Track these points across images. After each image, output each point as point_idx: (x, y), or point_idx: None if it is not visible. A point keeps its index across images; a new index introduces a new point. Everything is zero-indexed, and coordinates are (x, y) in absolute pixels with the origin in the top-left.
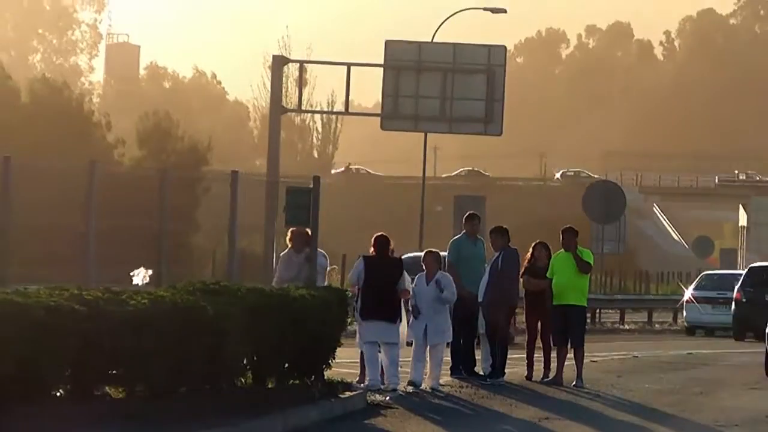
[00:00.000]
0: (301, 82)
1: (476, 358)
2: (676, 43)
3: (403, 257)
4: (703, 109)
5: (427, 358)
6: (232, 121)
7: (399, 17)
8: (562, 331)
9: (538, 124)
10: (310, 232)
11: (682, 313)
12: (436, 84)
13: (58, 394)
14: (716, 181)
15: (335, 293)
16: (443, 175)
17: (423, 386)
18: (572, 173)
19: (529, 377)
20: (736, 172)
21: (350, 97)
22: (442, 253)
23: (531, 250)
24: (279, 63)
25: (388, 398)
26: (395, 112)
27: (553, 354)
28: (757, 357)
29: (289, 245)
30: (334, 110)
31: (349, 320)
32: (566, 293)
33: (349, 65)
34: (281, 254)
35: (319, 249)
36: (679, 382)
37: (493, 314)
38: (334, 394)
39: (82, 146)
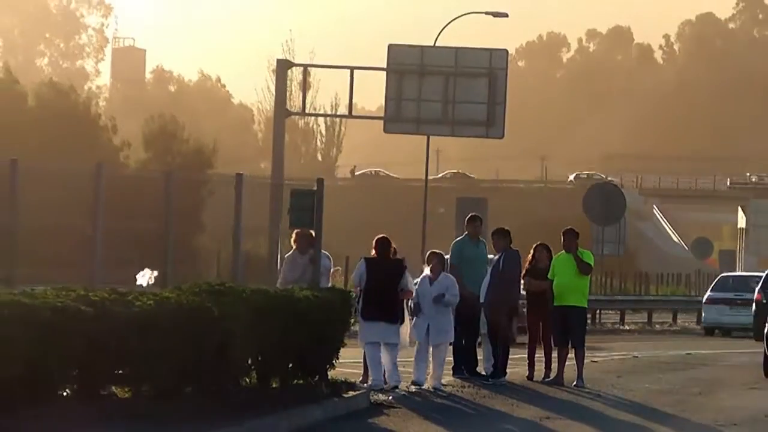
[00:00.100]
0: (305, 86)
1: (478, 358)
2: (676, 47)
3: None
4: (703, 112)
5: (430, 358)
6: (237, 124)
7: (402, 21)
8: (562, 331)
9: (539, 127)
10: (314, 234)
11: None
12: (439, 87)
13: (64, 393)
14: (728, 183)
15: (339, 294)
16: (429, 177)
17: (425, 386)
18: (585, 175)
19: (530, 377)
20: (748, 174)
21: (353, 101)
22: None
23: (532, 251)
24: (283, 67)
25: (390, 398)
26: (398, 116)
27: (554, 354)
28: (756, 357)
29: (294, 247)
30: (338, 113)
31: (352, 321)
32: (567, 294)
33: (352, 69)
34: (285, 256)
35: (322, 250)
36: (678, 382)
37: (494, 315)
38: (337, 394)
39: (88, 149)
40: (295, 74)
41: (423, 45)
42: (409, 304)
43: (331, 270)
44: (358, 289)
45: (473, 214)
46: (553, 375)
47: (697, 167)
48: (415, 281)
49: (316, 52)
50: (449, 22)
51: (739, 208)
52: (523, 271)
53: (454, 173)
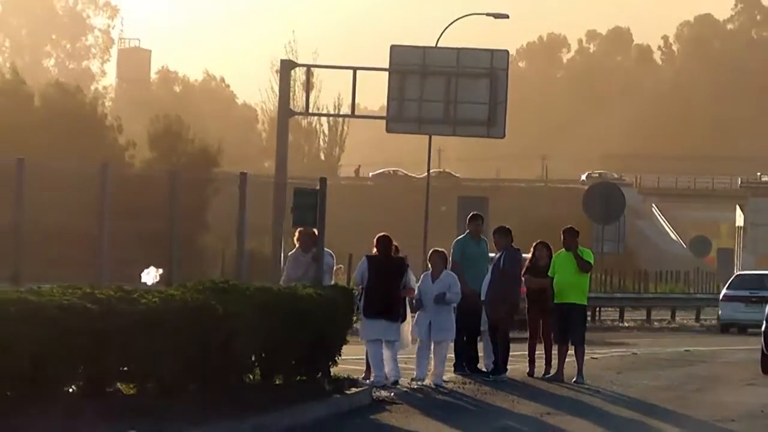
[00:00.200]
0: (308, 86)
1: (479, 355)
2: (674, 48)
3: None
4: (701, 112)
5: (431, 355)
6: (241, 124)
7: (404, 23)
8: (562, 328)
9: (539, 126)
10: (316, 232)
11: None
12: (440, 88)
13: (70, 390)
14: (739, 183)
15: (341, 292)
16: (414, 176)
17: (427, 382)
18: (597, 174)
19: (530, 374)
20: (759, 174)
21: (356, 101)
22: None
23: (532, 249)
24: (287, 67)
25: (392, 394)
26: (400, 115)
27: (554, 351)
28: (753, 354)
29: (297, 245)
30: (341, 113)
31: (354, 318)
32: (567, 292)
33: (355, 69)
34: (289, 254)
35: (325, 248)
36: (677, 378)
37: (495, 312)
38: (340, 390)
39: (94, 149)
40: (299, 74)
41: (425, 46)
42: (413, 300)
43: (334, 268)
44: (360, 287)
45: (474, 212)
46: (553, 371)
47: (695, 167)
48: (419, 281)
49: (319, 53)
50: (451, 23)
51: (737, 207)
52: (524, 269)
53: (439, 172)
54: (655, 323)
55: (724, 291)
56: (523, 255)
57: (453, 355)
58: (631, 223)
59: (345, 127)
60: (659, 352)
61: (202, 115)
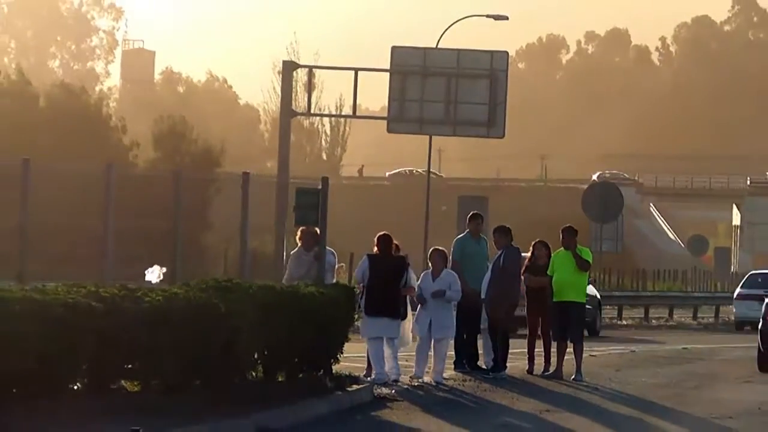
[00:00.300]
0: (310, 87)
1: (479, 352)
2: (672, 49)
3: None
4: (698, 113)
5: (431, 353)
6: (244, 125)
7: (404, 24)
8: (561, 326)
9: (539, 127)
10: (318, 232)
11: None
12: (441, 88)
13: (75, 387)
14: (748, 182)
15: (343, 290)
16: (376, 175)
17: (426, 380)
18: (608, 174)
19: (530, 371)
20: (767, 173)
21: (357, 101)
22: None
23: (531, 248)
24: (289, 68)
25: (393, 391)
26: (401, 116)
27: (553, 349)
28: (750, 351)
29: (299, 244)
30: (342, 114)
31: (356, 316)
32: (566, 290)
33: (356, 70)
34: (291, 252)
35: (327, 247)
36: (675, 376)
37: (495, 310)
38: (342, 388)
39: (98, 149)
40: (300, 75)
41: (425, 47)
42: (415, 297)
43: (336, 266)
44: (362, 285)
45: (475, 212)
46: (552, 369)
47: (693, 166)
48: (419, 279)
49: (321, 54)
50: (451, 25)
51: (734, 206)
52: (523, 268)
53: (424, 171)
54: (653, 321)
55: (738, 290)
56: (523, 254)
57: (453, 353)
58: (629, 223)
59: (347, 128)
60: (657, 349)
61: (205, 116)
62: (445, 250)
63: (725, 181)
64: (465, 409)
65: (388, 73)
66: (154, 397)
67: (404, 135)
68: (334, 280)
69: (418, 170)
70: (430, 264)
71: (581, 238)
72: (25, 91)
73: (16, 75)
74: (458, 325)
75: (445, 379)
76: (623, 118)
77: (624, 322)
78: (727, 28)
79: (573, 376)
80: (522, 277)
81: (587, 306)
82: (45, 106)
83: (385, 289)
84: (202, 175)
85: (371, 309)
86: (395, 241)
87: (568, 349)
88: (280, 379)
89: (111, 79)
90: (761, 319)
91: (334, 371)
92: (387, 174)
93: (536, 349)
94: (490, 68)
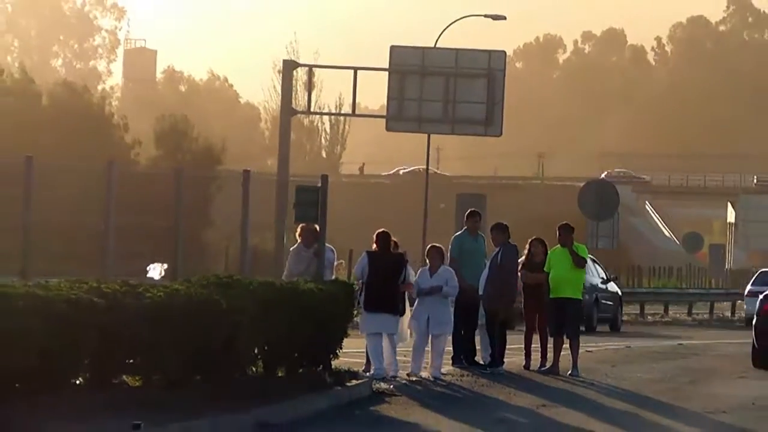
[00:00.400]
0: (310, 86)
1: (476, 348)
2: (668, 49)
3: None
4: (694, 112)
5: (428, 349)
6: (245, 123)
7: (403, 24)
8: (558, 322)
9: (536, 125)
10: (318, 229)
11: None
12: (439, 87)
13: (77, 382)
14: (755, 181)
15: (342, 286)
16: (383, 173)
17: (424, 375)
18: (617, 172)
19: (526, 366)
20: None
21: (357, 100)
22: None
23: (528, 245)
24: (289, 67)
25: (392, 386)
26: (400, 114)
27: (550, 344)
28: (745, 347)
29: (299, 240)
30: (342, 112)
31: (355, 312)
32: (562, 287)
33: (355, 69)
34: (291, 249)
35: (327, 244)
36: (670, 371)
37: (492, 306)
38: (341, 383)
39: (101, 147)
40: (300, 74)
41: (424, 46)
42: (413, 293)
43: (335, 263)
44: (361, 282)
45: (473, 209)
46: (548, 364)
47: (688, 165)
48: (417, 275)
49: (320, 53)
50: (449, 25)
51: (729, 204)
52: (520, 265)
53: (417, 170)
54: (649, 317)
55: (748, 287)
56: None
57: (451, 349)
58: (625, 220)
59: (346, 126)
60: (653, 345)
61: (206, 114)
62: (443, 247)
63: (720, 179)
64: (463, 404)
65: (387, 72)
66: (156, 392)
67: (403, 133)
68: (333, 277)
69: (432, 169)
70: (427, 260)
71: (578, 236)
72: (29, 90)
73: (19, 73)
74: (456, 322)
75: (443, 374)
76: (619, 117)
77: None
78: (722, 28)
79: (569, 372)
80: (519, 274)
81: (608, 303)
82: (48, 105)
83: (384, 286)
84: (203, 172)
85: (370, 305)
86: (394, 238)
87: (564, 345)
88: (279, 375)
89: (113, 77)
90: (755, 316)
91: (333, 367)
92: (400, 172)
93: (533, 345)
94: (488, 67)
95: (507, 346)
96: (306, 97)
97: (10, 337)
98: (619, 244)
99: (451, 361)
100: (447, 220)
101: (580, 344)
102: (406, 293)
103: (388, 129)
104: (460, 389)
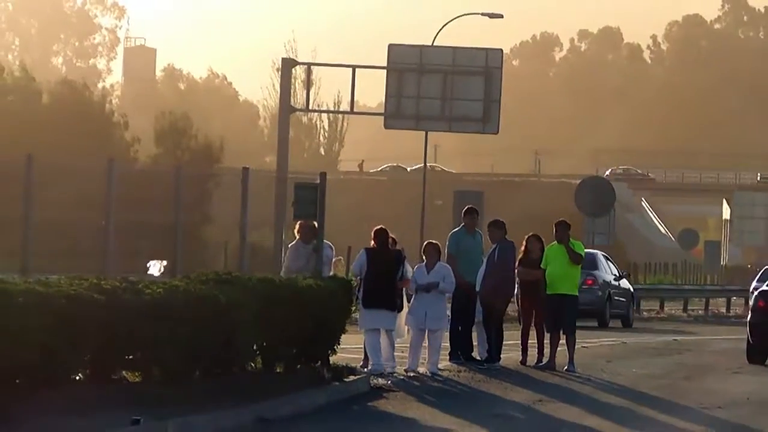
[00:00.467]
0: (309, 83)
1: (473, 344)
2: (663, 47)
3: None
4: (689, 110)
5: (424, 345)
6: (244, 121)
7: (401, 22)
8: (554, 318)
9: (533, 123)
10: (316, 225)
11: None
12: (437, 85)
13: (77, 378)
14: (758, 178)
15: (340, 283)
16: (369, 170)
17: (422, 371)
18: (621, 170)
19: (523, 362)
20: None
21: (355, 98)
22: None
23: (524, 242)
24: (288, 65)
25: (389, 382)
26: (398, 112)
27: (546, 340)
28: (739, 344)
29: (297, 237)
30: (340, 110)
31: (353, 308)
32: (559, 283)
33: (354, 67)
34: (289, 245)
35: (325, 240)
36: (665, 367)
37: (489, 303)
38: (339, 378)
39: (101, 145)
40: (299, 72)
41: (422, 44)
42: (411, 289)
43: (333, 260)
44: (359, 278)
45: (470, 206)
46: (545, 360)
47: (683, 162)
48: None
49: (318, 52)
50: (447, 23)
51: (724, 201)
52: (517, 261)
53: (393, 166)
54: (644, 313)
55: (754, 283)
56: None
57: (448, 344)
58: (621, 217)
59: (344, 123)
60: (648, 341)
61: (205, 112)
62: (439, 244)
63: (715, 177)
64: (460, 400)
65: (385, 70)
66: (155, 388)
67: (401, 131)
68: (331, 273)
69: (439, 166)
70: (424, 257)
71: (574, 232)
72: (29, 88)
73: (20, 72)
74: (453, 318)
75: (440, 370)
76: (616, 115)
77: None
78: (717, 26)
79: (566, 367)
80: (516, 271)
81: (621, 299)
82: (48, 103)
83: (382, 282)
84: (202, 170)
85: (369, 301)
86: (392, 235)
87: (560, 341)
88: (278, 370)
89: (113, 76)
90: (750, 311)
91: (331, 362)
92: (408, 170)
93: (530, 341)
94: (485, 65)
95: (504, 342)
96: (304, 95)
97: (10, 332)
98: (615, 240)
99: (448, 357)
100: (445, 217)
101: (576, 339)
102: (404, 289)
103: (386, 126)
104: (458, 385)
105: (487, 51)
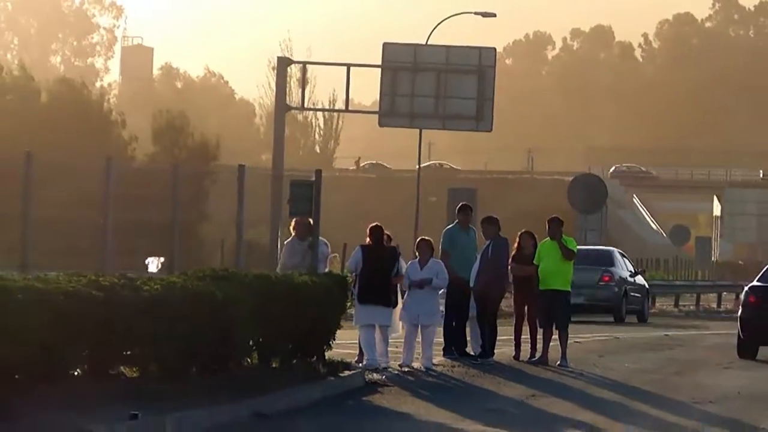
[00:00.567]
0: (304, 82)
1: (467, 339)
2: (655, 45)
3: None
4: (681, 108)
5: (418, 340)
6: (240, 119)
7: (395, 21)
8: (547, 314)
9: (526, 121)
10: (312, 222)
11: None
12: (431, 83)
13: (76, 373)
14: (761, 175)
15: (336, 279)
16: (347, 168)
17: (416, 366)
18: (625, 168)
19: (516, 357)
20: None
21: (350, 96)
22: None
23: (518, 238)
24: (283, 64)
25: (384, 377)
26: (392, 110)
27: (539, 335)
28: (730, 339)
29: (293, 234)
30: (335, 108)
31: (348, 304)
32: (551, 279)
33: (349, 66)
34: (285, 242)
35: (321, 238)
36: (657, 361)
37: (483, 298)
38: (334, 373)
39: (99, 143)
40: (294, 71)
41: (416, 43)
42: (404, 285)
43: (329, 257)
44: (354, 274)
45: (464, 203)
46: (538, 355)
47: (675, 159)
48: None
49: (314, 50)
50: (441, 22)
51: (715, 197)
52: (510, 258)
53: (373, 164)
54: None
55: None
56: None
57: (443, 340)
58: (612, 213)
59: (339, 122)
60: (640, 336)
61: (202, 111)
62: (432, 240)
63: (706, 174)
64: (454, 394)
65: (379, 69)
66: (153, 383)
67: (395, 129)
68: (327, 270)
69: (447, 164)
70: (417, 253)
71: (567, 229)
72: (28, 87)
73: (19, 71)
74: (447, 313)
75: (434, 365)
76: (608, 113)
77: None
78: (708, 25)
79: (558, 362)
80: (509, 267)
81: (636, 295)
82: (47, 101)
83: (378, 278)
84: (199, 168)
85: (364, 297)
86: (386, 232)
87: (553, 336)
88: (274, 366)
89: (111, 74)
90: (741, 307)
91: (326, 358)
92: (416, 167)
93: (523, 336)
94: (479, 64)
95: (497, 338)
96: (300, 94)
97: (9, 329)
98: (607, 237)
99: (442, 352)
100: (439, 213)
101: (569, 335)
102: (398, 285)
103: (380, 124)
104: (451, 379)
105: (480, 50)
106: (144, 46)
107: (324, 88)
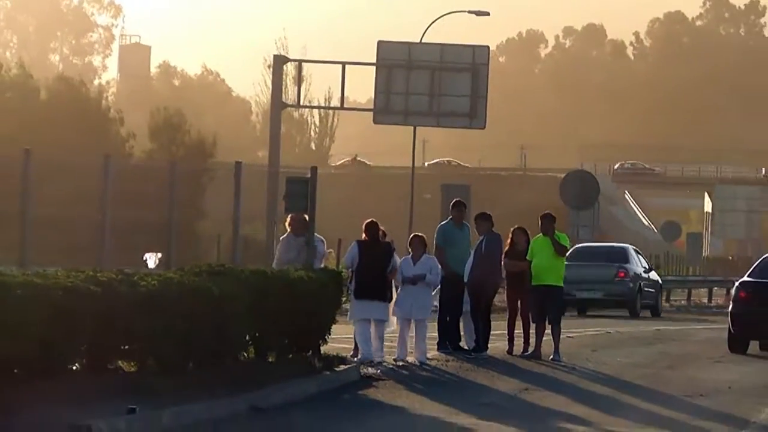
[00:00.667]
0: (300, 80)
1: (461, 333)
2: (646, 43)
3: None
4: (672, 105)
5: (411, 334)
6: (236, 116)
7: (390, 19)
8: (540, 309)
9: (519, 118)
10: (307, 218)
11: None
12: (425, 81)
13: (74, 368)
14: (763, 173)
15: (331, 274)
16: (333, 164)
17: (410, 360)
18: (629, 165)
19: (509, 351)
20: None
21: (345, 94)
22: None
23: (510, 234)
24: (279, 62)
25: (379, 371)
26: (387, 108)
27: (532, 330)
28: (722, 333)
29: (288, 230)
30: (331, 106)
31: (343, 299)
32: (544, 274)
33: (344, 64)
34: (281, 238)
35: (316, 234)
36: (649, 356)
37: (477, 293)
38: (330, 368)
39: (97, 140)
40: (290, 69)
41: (410, 41)
42: (398, 280)
43: (325, 255)
44: (350, 270)
45: (457, 199)
46: (531, 349)
47: (666, 155)
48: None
49: (309, 49)
50: (435, 20)
51: (706, 194)
52: (503, 253)
53: (352, 159)
54: None
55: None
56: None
57: (437, 334)
58: (605, 209)
59: (335, 119)
60: (632, 331)
61: (199, 108)
62: (425, 236)
63: (697, 170)
64: (448, 388)
65: (374, 67)
66: (150, 377)
67: (390, 126)
68: (322, 265)
69: (456, 161)
70: (410, 249)
71: (560, 225)
72: (27, 85)
73: (17, 69)
74: (442, 308)
75: (428, 359)
76: (600, 110)
77: None
78: (699, 23)
79: (551, 356)
80: (502, 262)
81: (650, 290)
82: (46, 99)
83: (373, 274)
84: (196, 165)
85: (360, 292)
86: (382, 228)
87: (546, 331)
88: (270, 360)
89: (109, 72)
90: (732, 302)
91: (322, 352)
92: (425, 164)
93: (516, 331)
94: (472, 62)
95: (491, 332)
96: (296, 91)
97: (8, 324)
98: (599, 232)
99: (436, 347)
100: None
101: (561, 329)
102: (393, 280)
103: (375, 122)
104: (445, 374)
105: (473, 48)
106: (142, 45)
107: (319, 85)
